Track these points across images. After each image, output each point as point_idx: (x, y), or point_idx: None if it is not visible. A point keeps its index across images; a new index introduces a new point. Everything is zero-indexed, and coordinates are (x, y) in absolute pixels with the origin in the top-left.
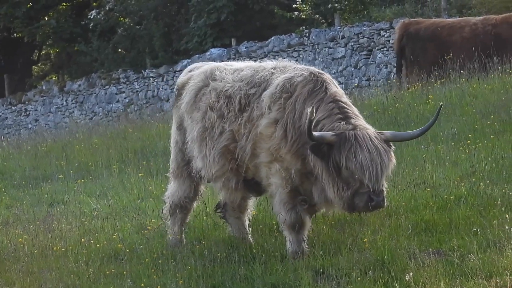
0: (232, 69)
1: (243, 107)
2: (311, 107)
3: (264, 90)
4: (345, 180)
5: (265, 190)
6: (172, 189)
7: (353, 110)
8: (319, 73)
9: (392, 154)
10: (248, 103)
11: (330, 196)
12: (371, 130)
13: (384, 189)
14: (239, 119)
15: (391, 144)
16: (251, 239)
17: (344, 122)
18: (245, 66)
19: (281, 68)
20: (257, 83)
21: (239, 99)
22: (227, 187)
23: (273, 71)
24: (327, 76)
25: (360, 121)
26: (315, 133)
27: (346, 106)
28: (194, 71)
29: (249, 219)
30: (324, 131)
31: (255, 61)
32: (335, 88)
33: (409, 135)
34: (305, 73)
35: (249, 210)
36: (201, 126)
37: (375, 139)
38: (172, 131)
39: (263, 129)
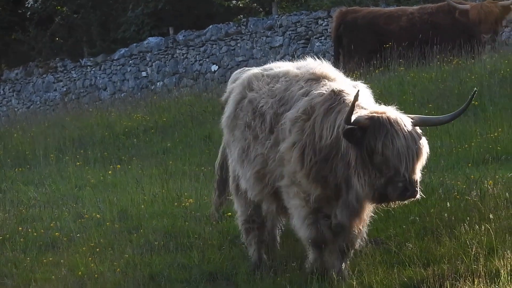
0: (269, 78)
1: (272, 128)
2: (357, 90)
3: (291, 108)
4: (378, 167)
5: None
6: (237, 208)
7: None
8: (340, 90)
9: (425, 141)
10: (276, 124)
11: (358, 187)
12: (402, 114)
13: (419, 179)
14: (267, 141)
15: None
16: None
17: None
18: (283, 73)
19: (314, 81)
20: (287, 101)
21: (270, 118)
22: (269, 210)
23: (303, 85)
24: (349, 92)
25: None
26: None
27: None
28: (237, 81)
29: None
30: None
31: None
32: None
33: (438, 120)
34: (325, 92)
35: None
36: (240, 147)
37: (408, 124)
38: (223, 142)
39: (284, 153)
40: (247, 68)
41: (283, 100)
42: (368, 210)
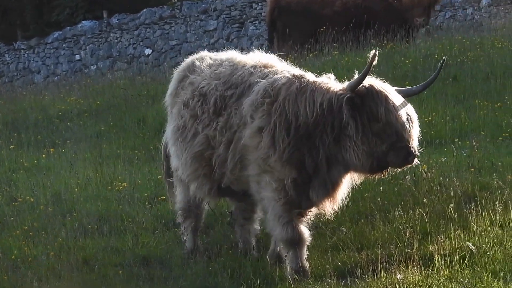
0: (212, 61)
1: (218, 110)
2: (374, 50)
3: (242, 93)
4: (378, 135)
5: (246, 197)
6: (177, 194)
7: None
8: (301, 74)
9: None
10: (225, 107)
11: (354, 158)
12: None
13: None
14: (214, 123)
15: None
16: (255, 252)
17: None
18: (226, 58)
19: (262, 68)
20: (235, 84)
21: (214, 100)
22: (201, 191)
23: (253, 71)
24: (309, 76)
25: None
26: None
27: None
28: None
29: (257, 231)
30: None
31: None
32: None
33: (412, 91)
34: (287, 75)
35: (256, 221)
36: (175, 125)
37: (398, 93)
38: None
39: (248, 140)
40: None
41: (229, 84)
42: (342, 191)
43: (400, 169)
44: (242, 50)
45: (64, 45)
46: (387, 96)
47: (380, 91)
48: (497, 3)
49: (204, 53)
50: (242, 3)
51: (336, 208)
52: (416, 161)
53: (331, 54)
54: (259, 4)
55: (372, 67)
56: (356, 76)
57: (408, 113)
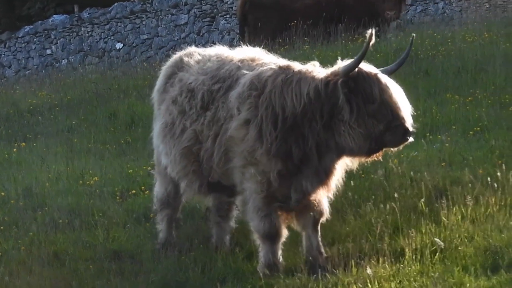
0: (200, 56)
1: (206, 104)
2: (371, 30)
3: (230, 86)
4: (374, 116)
5: (236, 194)
6: (156, 185)
7: None
8: (287, 65)
9: None
10: (212, 101)
11: (350, 142)
12: None
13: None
14: (202, 118)
15: None
16: (227, 246)
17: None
18: (214, 53)
19: (249, 61)
20: (222, 78)
21: (202, 95)
22: (191, 188)
23: (240, 64)
24: (295, 66)
25: None
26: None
27: None
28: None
29: (232, 228)
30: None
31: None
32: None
33: (387, 70)
34: (273, 67)
35: (232, 219)
36: (163, 122)
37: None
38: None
39: (234, 132)
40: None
41: (217, 78)
42: (336, 178)
43: (396, 149)
44: (213, 44)
45: (35, 39)
46: (378, 76)
47: (370, 72)
48: None
49: (192, 49)
50: None
51: (331, 196)
52: (411, 138)
53: (302, 48)
54: None
55: (370, 47)
56: (341, 61)
57: (401, 91)
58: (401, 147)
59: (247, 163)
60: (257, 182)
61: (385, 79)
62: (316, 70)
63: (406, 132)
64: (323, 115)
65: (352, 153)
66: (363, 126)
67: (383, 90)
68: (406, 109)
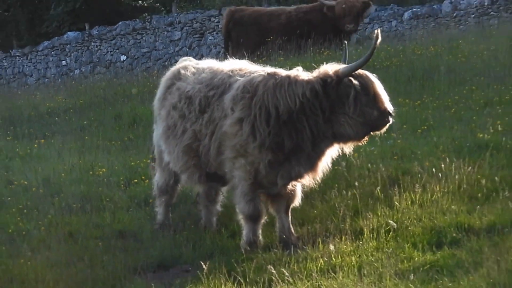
0: (195, 69)
1: (203, 108)
2: (377, 28)
3: (223, 92)
4: (368, 105)
5: (228, 182)
6: (156, 175)
7: None
8: (274, 72)
9: None
10: (208, 105)
11: (349, 130)
12: None
13: None
14: (200, 120)
15: None
16: (214, 227)
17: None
18: (206, 66)
19: (238, 71)
20: (216, 86)
21: (199, 100)
22: (191, 179)
23: (231, 74)
24: (281, 72)
25: None
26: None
27: None
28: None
29: (218, 211)
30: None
31: (110, 42)
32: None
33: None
34: (262, 73)
35: (218, 203)
36: (165, 125)
37: None
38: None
39: (228, 128)
40: (186, 58)
41: (211, 86)
42: (324, 164)
43: (381, 132)
44: (202, 56)
45: (52, 52)
46: (365, 71)
47: (362, 72)
48: (417, 17)
49: (187, 63)
50: (202, 17)
51: (318, 179)
52: (392, 119)
53: (277, 60)
54: (217, 17)
55: (377, 46)
56: (325, 65)
57: (379, 83)
58: (386, 128)
59: (238, 155)
60: (246, 171)
61: (370, 74)
62: (303, 74)
63: (390, 114)
64: (324, 111)
65: (348, 140)
66: (361, 115)
67: (373, 82)
68: (386, 96)
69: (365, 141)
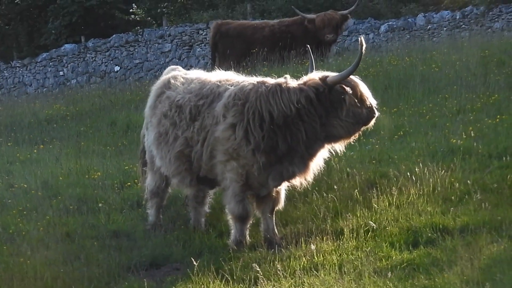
0: (184, 79)
1: (193, 116)
2: (360, 37)
3: (212, 101)
4: (357, 106)
5: (218, 184)
6: (148, 179)
7: None
8: (263, 80)
9: None
10: (199, 113)
11: (341, 130)
12: None
13: None
14: (191, 127)
15: None
16: (203, 227)
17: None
18: (195, 77)
19: (225, 81)
20: (205, 95)
21: (189, 109)
22: (183, 183)
23: (219, 84)
24: (268, 79)
25: None
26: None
27: None
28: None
29: (206, 212)
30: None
31: (105, 53)
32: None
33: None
34: (252, 82)
35: (206, 205)
36: (157, 132)
37: None
38: (143, 128)
39: (220, 133)
40: (174, 66)
41: (200, 95)
42: (316, 164)
43: (367, 127)
44: (191, 67)
45: (50, 63)
46: (356, 79)
47: (352, 78)
48: (392, 30)
49: (176, 73)
50: (191, 30)
51: (310, 179)
52: (377, 112)
53: (261, 70)
54: (204, 30)
55: (363, 52)
56: (312, 74)
57: (363, 83)
58: (373, 122)
59: (230, 158)
60: (238, 174)
61: (353, 77)
62: (292, 82)
63: (374, 110)
64: (320, 116)
65: (340, 139)
66: (352, 117)
67: (360, 84)
68: (369, 92)
69: (355, 138)
